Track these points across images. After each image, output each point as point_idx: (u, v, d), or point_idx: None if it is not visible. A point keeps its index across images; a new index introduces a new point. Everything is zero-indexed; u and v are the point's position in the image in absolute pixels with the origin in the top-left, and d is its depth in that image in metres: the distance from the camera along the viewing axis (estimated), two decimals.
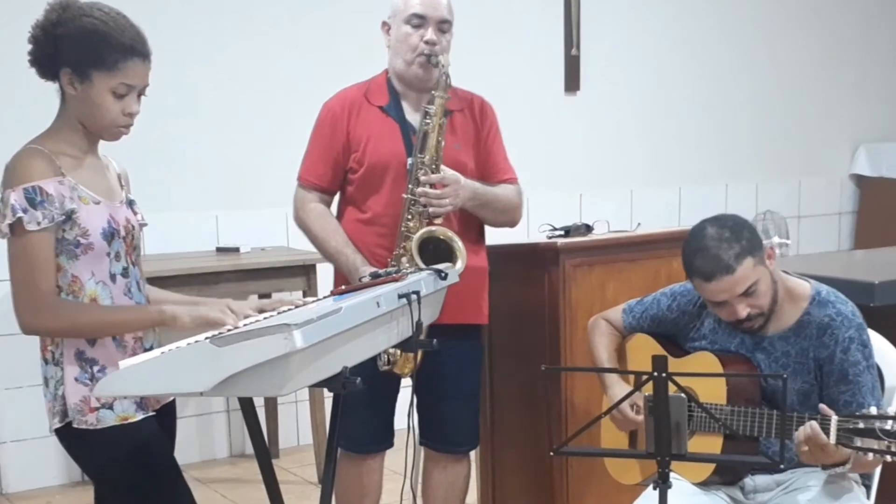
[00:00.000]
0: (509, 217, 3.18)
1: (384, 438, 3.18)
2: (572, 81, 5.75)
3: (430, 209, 2.94)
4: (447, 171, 2.97)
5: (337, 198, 3.18)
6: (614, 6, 5.84)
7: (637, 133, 6.01)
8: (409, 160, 2.99)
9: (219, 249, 4.76)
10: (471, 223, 3.11)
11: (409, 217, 2.95)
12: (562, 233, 3.36)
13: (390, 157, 3.02)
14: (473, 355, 3.17)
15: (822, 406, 2.38)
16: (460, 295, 2.89)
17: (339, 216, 3.14)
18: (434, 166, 2.95)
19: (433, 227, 2.97)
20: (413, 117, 3.07)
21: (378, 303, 2.25)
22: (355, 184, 3.08)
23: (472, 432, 3.21)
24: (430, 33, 3.00)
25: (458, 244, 2.95)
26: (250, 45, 4.88)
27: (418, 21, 3.01)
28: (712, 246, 2.47)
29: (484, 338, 3.23)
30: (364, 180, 3.06)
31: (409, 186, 2.96)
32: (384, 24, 3.11)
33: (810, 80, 6.61)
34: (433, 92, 2.99)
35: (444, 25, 3.05)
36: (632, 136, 5.99)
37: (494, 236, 3.46)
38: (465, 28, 5.28)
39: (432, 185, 2.94)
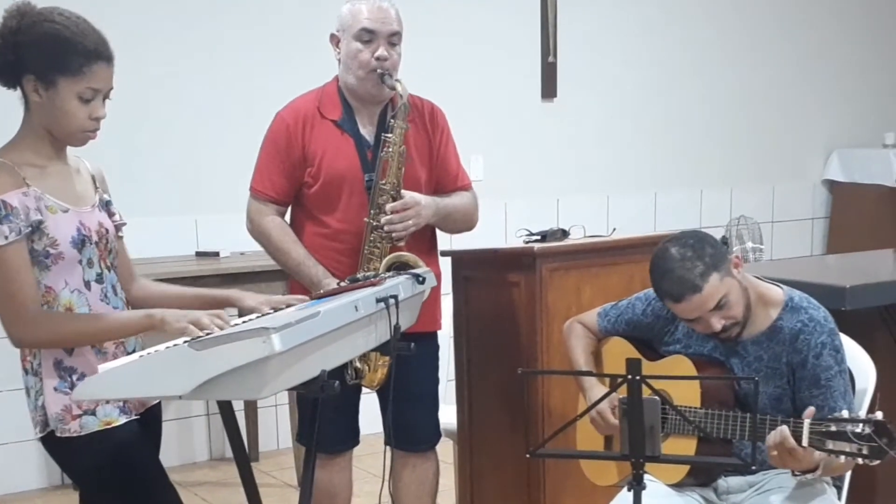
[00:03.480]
0: (467, 225, 3.28)
1: (350, 437, 3.25)
2: (549, 88, 5.78)
3: (394, 234, 2.99)
4: (407, 195, 3.01)
5: (290, 210, 3.18)
6: (591, 14, 5.88)
7: (613, 139, 6.05)
8: (366, 177, 3.02)
9: (198, 254, 4.76)
10: (423, 233, 3.13)
11: (373, 240, 3.00)
12: (538, 237, 3.38)
13: (346, 171, 3.04)
14: (431, 357, 3.24)
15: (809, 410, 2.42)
16: None
17: (296, 229, 3.15)
18: (395, 192, 2.99)
19: (402, 253, 3.02)
20: (367, 131, 3.09)
21: (356, 307, 2.27)
22: (311, 198, 3.09)
23: (435, 429, 3.29)
24: (381, 49, 2.98)
25: (423, 268, 2.98)
26: (231, 48, 4.89)
27: (368, 36, 2.98)
28: (677, 267, 2.51)
29: (438, 339, 3.28)
30: (320, 195, 3.07)
31: (372, 212, 2.99)
32: (332, 36, 3.09)
33: (783, 86, 6.67)
34: (392, 120, 3.01)
35: (394, 38, 3.02)
36: (608, 142, 6.03)
37: (472, 241, 3.49)
38: (442, 35, 5.34)
39: (394, 211, 2.98)
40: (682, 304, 2.53)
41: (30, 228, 2.20)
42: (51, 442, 2.30)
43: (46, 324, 2.23)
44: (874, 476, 3.17)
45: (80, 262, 2.30)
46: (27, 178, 2.23)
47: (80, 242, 2.29)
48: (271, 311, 2.44)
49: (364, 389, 3.16)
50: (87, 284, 2.31)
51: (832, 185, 6.89)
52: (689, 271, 2.49)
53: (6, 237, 2.17)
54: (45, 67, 2.22)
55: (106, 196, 2.46)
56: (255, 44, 4.95)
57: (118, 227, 2.47)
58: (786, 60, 6.65)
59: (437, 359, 3.29)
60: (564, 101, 5.83)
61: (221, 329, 2.14)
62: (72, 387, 2.26)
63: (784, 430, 2.35)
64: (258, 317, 2.37)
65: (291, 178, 3.09)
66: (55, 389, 2.27)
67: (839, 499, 2.67)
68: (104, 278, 2.36)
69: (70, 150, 2.38)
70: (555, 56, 5.76)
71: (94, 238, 2.34)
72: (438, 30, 5.31)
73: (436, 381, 3.28)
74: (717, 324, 2.55)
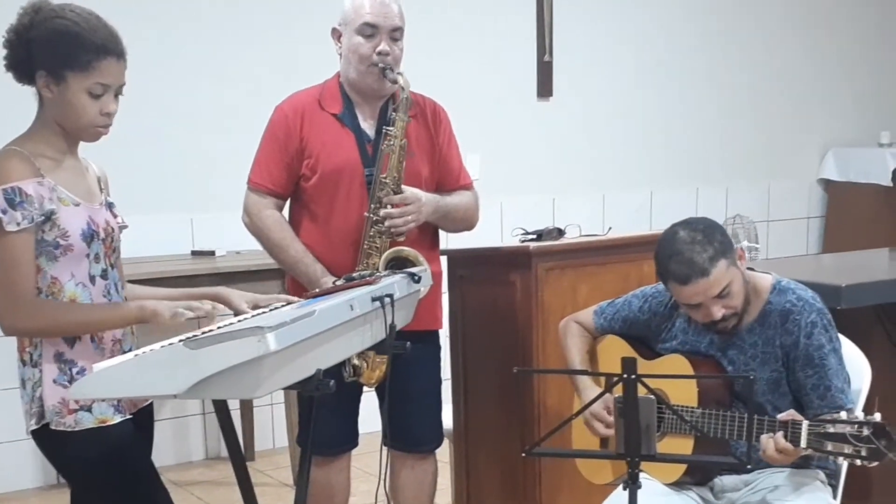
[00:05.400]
0: (467, 224, 3.25)
1: (349, 439, 3.23)
2: (545, 87, 5.79)
3: (394, 229, 2.97)
4: (408, 191, 2.99)
5: (288, 204, 3.17)
6: (587, 12, 5.88)
7: (609, 138, 6.05)
8: (366, 171, 3.01)
9: (194, 253, 4.76)
10: (425, 230, 3.12)
11: (372, 235, 2.98)
12: (534, 237, 3.38)
13: (345, 165, 3.02)
14: (432, 357, 3.21)
15: (791, 412, 2.42)
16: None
17: (294, 224, 3.13)
18: (395, 186, 2.97)
19: (401, 248, 3.00)
20: (368, 125, 3.07)
21: (352, 306, 2.27)
22: (308, 191, 3.07)
23: (436, 431, 3.26)
24: (382, 44, 2.97)
25: (424, 264, 2.97)
26: (227, 44, 4.89)
27: (370, 31, 2.97)
28: (686, 249, 2.51)
29: (440, 339, 3.26)
30: (318, 188, 3.05)
31: (372, 206, 2.97)
32: (334, 30, 3.08)
33: (780, 85, 6.67)
34: (393, 113, 2.99)
35: (395, 33, 3.01)
36: (604, 141, 6.03)
37: (468, 240, 3.49)
38: (438, 34, 5.34)
39: (394, 205, 2.96)
40: (687, 287, 2.52)
41: (42, 218, 2.23)
42: (44, 435, 2.31)
43: (42, 313, 2.25)
44: (870, 475, 3.17)
45: (88, 255, 2.31)
46: (42, 169, 2.25)
47: (90, 237, 2.31)
48: (266, 309, 2.44)
49: (365, 390, 3.15)
50: (93, 279, 2.33)
51: (828, 184, 6.89)
52: (699, 254, 2.50)
53: (18, 224, 2.20)
54: (54, 63, 2.24)
55: (109, 199, 2.48)
56: (251, 40, 4.95)
57: (121, 229, 2.49)
58: (781, 59, 6.65)
59: (438, 358, 3.26)
60: (560, 100, 5.83)
61: (208, 312, 2.23)
62: (71, 379, 2.27)
63: (779, 438, 2.36)
64: (253, 315, 2.37)
65: (290, 171, 3.07)
66: (54, 381, 2.28)
67: (835, 497, 2.67)
68: (108, 275, 2.38)
69: (79, 151, 2.40)
70: (551, 55, 5.76)
71: (102, 235, 2.36)
72: (434, 28, 5.31)
73: (438, 382, 3.24)
74: (718, 312, 2.55)
